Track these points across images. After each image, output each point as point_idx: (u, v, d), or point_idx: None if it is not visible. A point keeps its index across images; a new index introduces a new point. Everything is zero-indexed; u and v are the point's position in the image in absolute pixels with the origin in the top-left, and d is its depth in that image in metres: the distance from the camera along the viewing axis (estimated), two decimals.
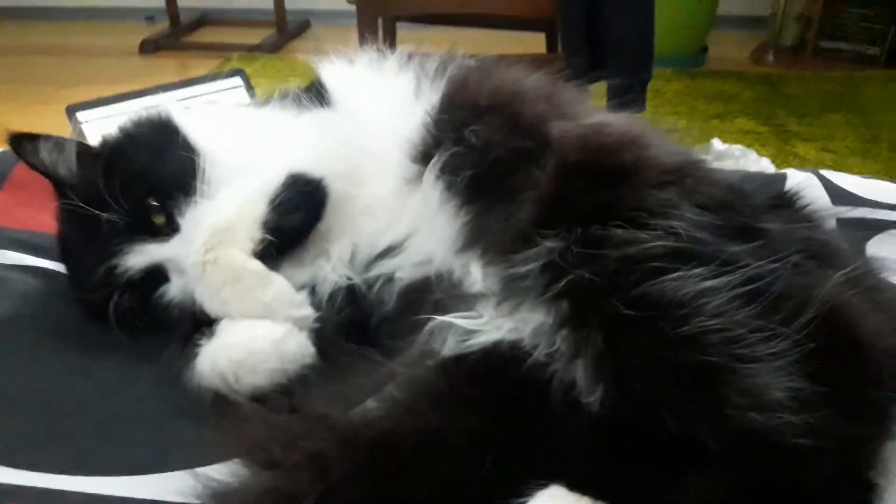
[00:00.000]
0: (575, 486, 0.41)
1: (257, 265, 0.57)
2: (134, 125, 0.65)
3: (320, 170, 0.60)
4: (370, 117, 0.64)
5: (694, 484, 0.40)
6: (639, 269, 0.44)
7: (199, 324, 0.57)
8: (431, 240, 0.56)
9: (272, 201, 0.58)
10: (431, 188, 0.57)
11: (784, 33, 2.92)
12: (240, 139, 0.65)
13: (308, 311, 0.57)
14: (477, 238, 0.53)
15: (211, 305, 0.57)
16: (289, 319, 0.56)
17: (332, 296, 0.59)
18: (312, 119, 0.65)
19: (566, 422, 0.44)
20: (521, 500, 0.41)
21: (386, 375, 0.48)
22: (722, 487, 0.40)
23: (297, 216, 0.59)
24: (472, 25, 1.79)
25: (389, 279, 0.58)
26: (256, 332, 0.55)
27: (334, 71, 0.69)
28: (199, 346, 0.55)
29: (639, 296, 0.43)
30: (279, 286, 0.57)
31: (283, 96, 0.68)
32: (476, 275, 0.53)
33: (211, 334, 0.56)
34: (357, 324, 0.58)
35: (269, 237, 0.57)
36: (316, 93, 0.66)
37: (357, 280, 0.60)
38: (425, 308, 0.53)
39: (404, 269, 0.58)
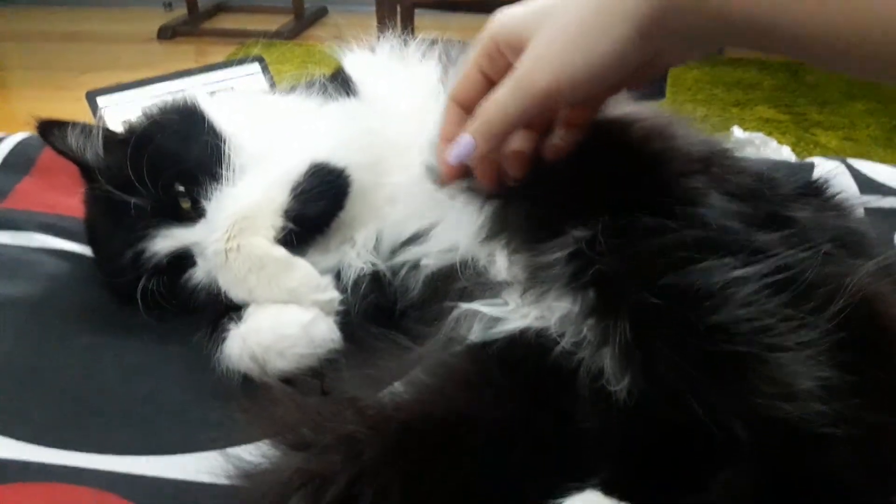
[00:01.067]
0: (607, 485, 0.41)
1: (281, 251, 0.57)
2: (160, 111, 0.65)
3: (344, 159, 0.60)
4: (395, 106, 0.64)
5: (723, 476, 0.40)
6: (667, 259, 0.44)
7: (227, 308, 0.57)
8: (457, 228, 0.56)
9: (294, 190, 0.58)
10: None
11: None
12: (265, 127, 0.65)
13: (333, 294, 0.58)
14: (502, 227, 0.53)
15: (236, 293, 0.57)
16: (315, 303, 0.57)
17: (356, 282, 0.60)
18: (337, 108, 0.65)
19: (594, 412, 0.43)
20: (556, 501, 0.41)
21: (413, 359, 0.48)
22: (751, 476, 0.40)
23: (318, 205, 0.59)
24: (491, 12, 1.78)
25: (415, 266, 0.58)
26: (284, 317, 0.55)
27: (356, 59, 0.69)
28: (227, 330, 0.56)
29: (667, 285, 0.42)
30: (303, 271, 0.58)
31: (310, 85, 0.68)
32: (501, 263, 0.52)
33: (239, 318, 0.56)
34: (382, 309, 0.58)
35: (291, 225, 0.57)
36: (341, 81, 0.66)
37: (382, 267, 0.60)
38: (451, 295, 0.53)
39: (429, 256, 0.57)
